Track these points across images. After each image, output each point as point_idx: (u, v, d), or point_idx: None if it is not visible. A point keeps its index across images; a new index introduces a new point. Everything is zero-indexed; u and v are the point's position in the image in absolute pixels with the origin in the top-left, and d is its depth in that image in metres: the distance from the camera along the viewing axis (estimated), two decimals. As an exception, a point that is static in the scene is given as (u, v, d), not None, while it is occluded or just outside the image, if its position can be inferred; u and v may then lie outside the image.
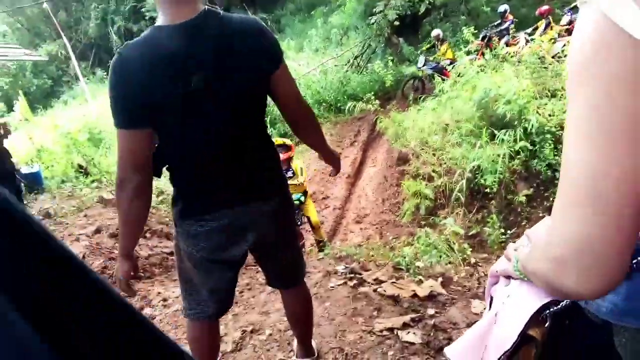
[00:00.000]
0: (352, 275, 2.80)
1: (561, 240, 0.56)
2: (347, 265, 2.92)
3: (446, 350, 1.06)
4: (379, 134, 8.89)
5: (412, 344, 2.11)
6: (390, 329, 2.23)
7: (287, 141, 4.93)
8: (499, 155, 5.34)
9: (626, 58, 0.47)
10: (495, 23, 9.78)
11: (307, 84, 10.68)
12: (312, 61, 12.36)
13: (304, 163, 5.71)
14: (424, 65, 9.43)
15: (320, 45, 13.70)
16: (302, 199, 4.76)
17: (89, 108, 12.90)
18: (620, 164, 0.49)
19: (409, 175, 6.68)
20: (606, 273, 0.53)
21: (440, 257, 4.06)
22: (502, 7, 9.62)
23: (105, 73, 19.91)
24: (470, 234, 5.27)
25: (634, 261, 0.66)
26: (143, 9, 19.54)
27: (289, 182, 4.65)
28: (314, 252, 4.33)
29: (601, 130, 0.50)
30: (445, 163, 6.27)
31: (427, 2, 10.70)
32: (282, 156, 4.94)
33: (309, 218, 4.89)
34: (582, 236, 0.53)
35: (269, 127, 9.29)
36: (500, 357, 0.90)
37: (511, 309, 0.93)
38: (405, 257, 3.12)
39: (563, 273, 0.56)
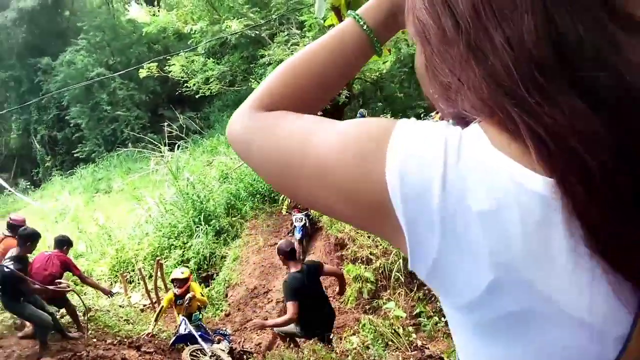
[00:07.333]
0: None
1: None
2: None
3: None
4: (315, 221, 9.00)
5: None
6: None
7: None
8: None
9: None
10: None
11: (239, 177, 10.78)
12: (243, 154, 12.58)
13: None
14: None
15: (250, 139, 14.07)
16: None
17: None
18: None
19: (348, 260, 6.73)
20: None
21: (387, 344, 4.04)
22: (360, 113, 10.70)
23: (28, 183, 19.09)
24: (414, 313, 5.31)
25: None
26: (67, 117, 19.25)
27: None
28: None
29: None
30: (381, 244, 6.41)
31: (346, 92, 11.45)
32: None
33: None
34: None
35: (203, 224, 9.16)
36: None
37: None
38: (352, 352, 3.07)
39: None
